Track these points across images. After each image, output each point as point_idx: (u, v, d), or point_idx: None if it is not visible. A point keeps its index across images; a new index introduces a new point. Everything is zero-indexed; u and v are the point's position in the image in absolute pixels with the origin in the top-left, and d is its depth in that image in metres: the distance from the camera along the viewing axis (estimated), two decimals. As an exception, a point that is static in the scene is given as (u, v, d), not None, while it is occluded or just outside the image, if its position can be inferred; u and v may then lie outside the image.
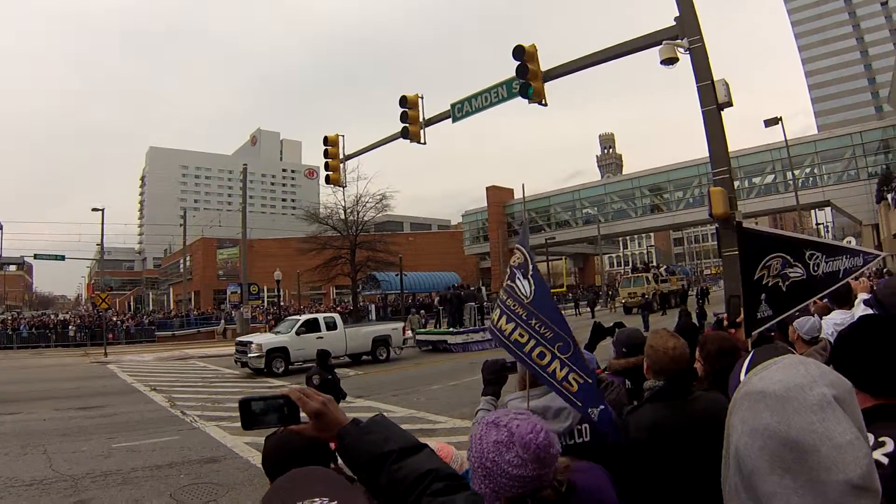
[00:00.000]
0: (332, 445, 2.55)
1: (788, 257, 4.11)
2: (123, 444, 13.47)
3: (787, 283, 4.11)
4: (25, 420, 17.17)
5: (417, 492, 1.61)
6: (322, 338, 26.83)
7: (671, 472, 3.16)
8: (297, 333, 27.21)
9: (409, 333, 33.58)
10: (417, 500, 1.60)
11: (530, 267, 3.17)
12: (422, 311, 46.27)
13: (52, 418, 17.34)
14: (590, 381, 2.90)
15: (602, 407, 2.92)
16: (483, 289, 49.20)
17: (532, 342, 3.03)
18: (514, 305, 3.13)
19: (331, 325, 28.44)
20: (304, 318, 29.42)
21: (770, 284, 4.07)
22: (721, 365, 3.84)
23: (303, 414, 1.82)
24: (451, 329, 33.88)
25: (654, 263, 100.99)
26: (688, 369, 3.71)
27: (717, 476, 1.43)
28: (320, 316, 29.78)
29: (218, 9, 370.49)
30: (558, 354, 2.96)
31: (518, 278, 3.16)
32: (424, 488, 1.61)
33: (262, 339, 27.39)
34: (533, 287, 3.12)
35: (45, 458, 12.43)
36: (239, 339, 29.81)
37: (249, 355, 26.13)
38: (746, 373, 1.90)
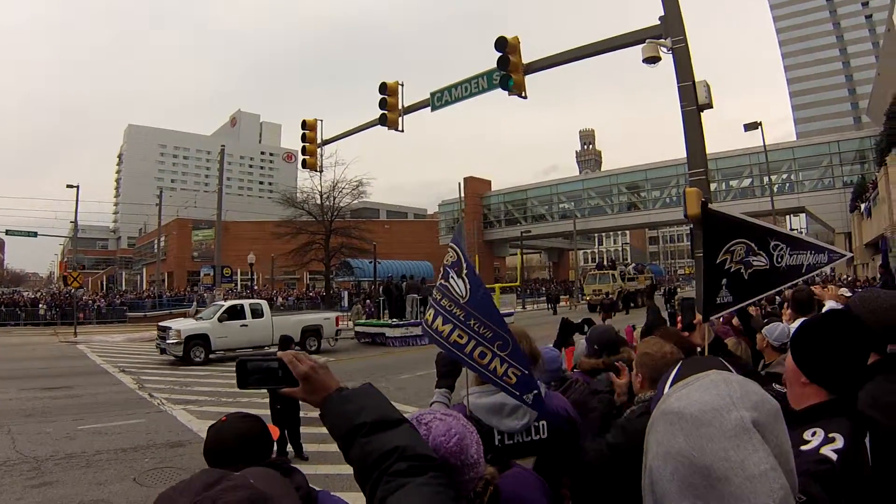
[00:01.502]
0: (275, 436, 2.51)
1: (753, 245, 4.02)
2: (89, 426, 13.41)
3: (749, 270, 4.03)
4: (-9, 399, 16.97)
5: (381, 469, 1.59)
6: (246, 325, 26.28)
7: None
8: (220, 320, 25.86)
9: (342, 324, 31.65)
10: (379, 478, 1.58)
11: (464, 266, 3.10)
12: (366, 301, 45.45)
13: (18, 398, 17.23)
14: (526, 372, 2.89)
15: (536, 391, 2.91)
16: (425, 280, 47.95)
17: (472, 343, 3.00)
18: (450, 306, 3.08)
19: (257, 313, 27.08)
20: (227, 303, 28.02)
21: (732, 270, 3.99)
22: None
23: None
24: (390, 321, 32.52)
25: (624, 261, 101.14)
26: None
27: None
28: (246, 302, 28.29)
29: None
30: (498, 353, 2.94)
31: (452, 277, 3.11)
32: (387, 467, 1.58)
33: (182, 325, 26.03)
34: (468, 286, 3.06)
35: (9, 438, 12.37)
36: (160, 323, 28.01)
37: (168, 341, 24.85)
38: (672, 386, 1.87)
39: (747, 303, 4.48)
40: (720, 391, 1.25)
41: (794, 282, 4.49)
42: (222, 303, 28.84)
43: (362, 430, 1.67)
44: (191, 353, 24.61)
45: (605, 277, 55.33)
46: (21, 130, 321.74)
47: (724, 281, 4.00)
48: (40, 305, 54.93)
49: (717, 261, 3.96)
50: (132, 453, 11.22)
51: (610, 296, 45.24)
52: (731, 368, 1.87)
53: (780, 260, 4.14)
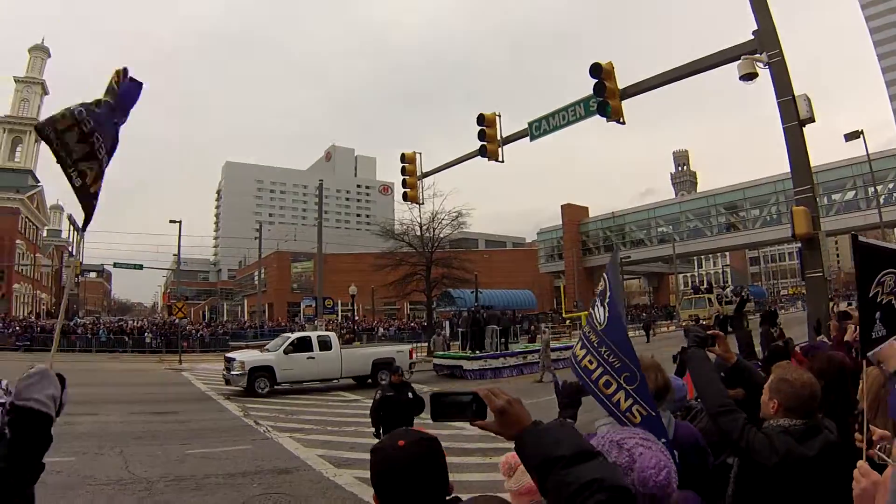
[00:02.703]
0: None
1: None
2: (197, 451, 13.67)
3: None
4: (103, 422, 17.54)
5: (579, 500, 1.63)
6: (313, 358, 25.86)
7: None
8: (286, 352, 25.46)
9: (416, 356, 30.52)
10: None
11: (608, 294, 3.12)
12: (444, 333, 44.74)
13: (129, 421, 17.78)
14: (653, 413, 2.81)
15: (664, 440, 2.86)
16: (510, 311, 46.13)
17: (600, 370, 3.00)
18: (589, 332, 3.11)
19: (325, 345, 26.47)
20: (294, 335, 27.86)
21: (884, 302, 3.67)
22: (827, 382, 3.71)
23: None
24: (467, 353, 31.52)
25: (724, 283, 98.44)
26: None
27: None
28: (313, 334, 27.92)
29: (291, 25, 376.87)
30: (624, 385, 2.90)
31: (597, 305, 3.15)
32: (586, 498, 1.63)
33: (247, 357, 25.61)
34: (607, 314, 3.07)
35: (122, 459, 12.73)
36: (227, 354, 27.88)
37: (232, 373, 24.51)
38: None
39: None
40: None
41: None
42: (289, 335, 28.81)
43: (560, 462, 1.72)
44: (255, 384, 24.22)
45: (701, 302, 53.59)
46: (126, 168, 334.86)
47: (877, 314, 3.70)
48: (146, 334, 56.47)
49: (870, 294, 3.68)
50: (240, 478, 11.40)
51: (703, 321, 42.20)
52: None
53: None
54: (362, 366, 27.06)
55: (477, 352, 31.10)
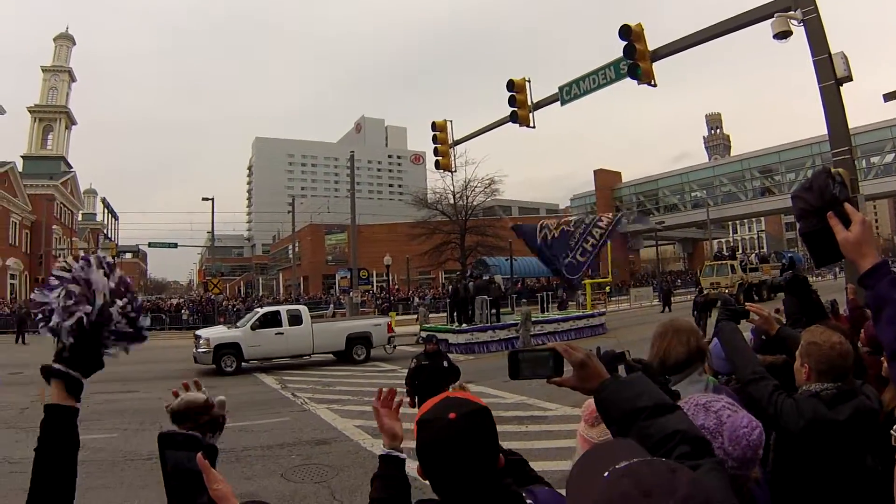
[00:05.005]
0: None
1: None
2: (236, 424, 13.73)
3: None
4: (143, 398, 17.86)
5: (663, 451, 1.63)
6: (282, 333, 24.87)
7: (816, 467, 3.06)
8: (253, 328, 24.62)
9: (394, 331, 28.64)
10: None
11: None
12: (425, 304, 43.86)
13: (167, 398, 17.84)
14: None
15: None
16: (499, 279, 43.10)
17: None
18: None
19: (295, 320, 25.41)
20: (263, 310, 26.97)
21: None
22: None
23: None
24: (452, 326, 29.54)
25: (759, 250, 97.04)
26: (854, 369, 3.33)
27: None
28: (283, 309, 26.81)
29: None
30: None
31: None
32: (671, 449, 1.64)
33: (212, 333, 25.11)
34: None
35: (162, 434, 12.83)
36: (196, 332, 27.02)
37: (198, 350, 24.04)
38: None
39: None
40: None
41: None
42: (259, 309, 28.12)
43: (643, 414, 1.74)
44: (221, 362, 23.74)
45: (724, 269, 50.02)
46: (159, 150, 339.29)
47: None
48: (183, 311, 57.22)
49: None
50: (278, 450, 11.55)
51: (705, 293, 38.03)
52: None
53: None
54: (335, 341, 26.04)
55: (463, 325, 29.09)
